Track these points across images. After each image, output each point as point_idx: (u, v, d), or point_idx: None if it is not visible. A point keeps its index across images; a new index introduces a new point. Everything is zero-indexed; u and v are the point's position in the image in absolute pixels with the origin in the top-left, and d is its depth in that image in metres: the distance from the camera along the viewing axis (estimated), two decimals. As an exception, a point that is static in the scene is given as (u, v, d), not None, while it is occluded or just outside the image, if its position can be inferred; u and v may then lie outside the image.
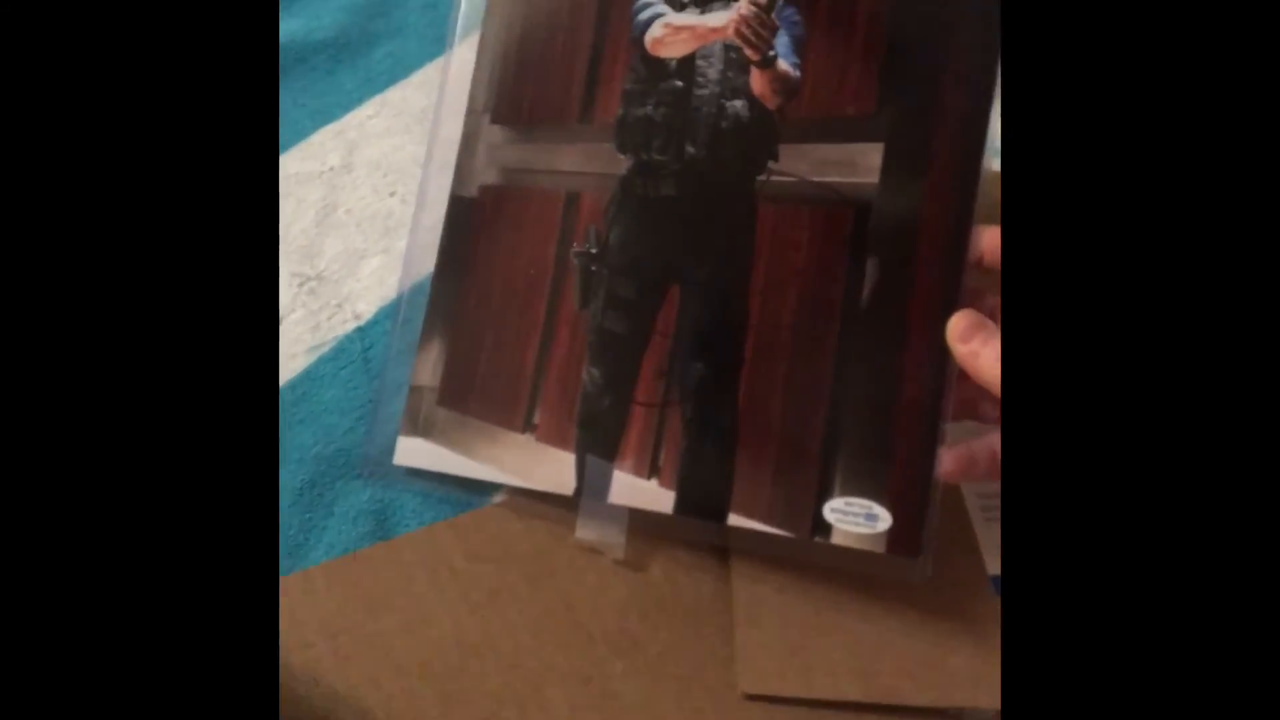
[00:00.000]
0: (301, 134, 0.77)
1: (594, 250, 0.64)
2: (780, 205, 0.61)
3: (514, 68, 0.68)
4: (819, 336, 0.58)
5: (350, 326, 0.70)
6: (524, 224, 0.66)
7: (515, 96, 0.68)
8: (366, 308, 0.70)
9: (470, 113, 0.68)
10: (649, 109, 0.63)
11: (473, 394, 0.65)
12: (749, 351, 0.60)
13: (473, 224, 0.67)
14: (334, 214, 0.73)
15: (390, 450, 0.64)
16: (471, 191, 0.68)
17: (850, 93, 0.59)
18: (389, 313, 0.70)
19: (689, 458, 0.60)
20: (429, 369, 0.66)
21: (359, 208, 0.74)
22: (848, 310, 0.58)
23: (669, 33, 0.63)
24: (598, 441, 0.62)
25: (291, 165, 0.76)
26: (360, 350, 0.69)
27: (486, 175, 0.68)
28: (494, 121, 0.68)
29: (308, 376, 0.68)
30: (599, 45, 0.66)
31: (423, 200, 0.67)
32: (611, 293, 0.63)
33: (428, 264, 0.66)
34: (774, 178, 0.61)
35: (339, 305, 0.70)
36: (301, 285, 0.70)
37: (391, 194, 0.74)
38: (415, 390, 0.66)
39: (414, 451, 0.64)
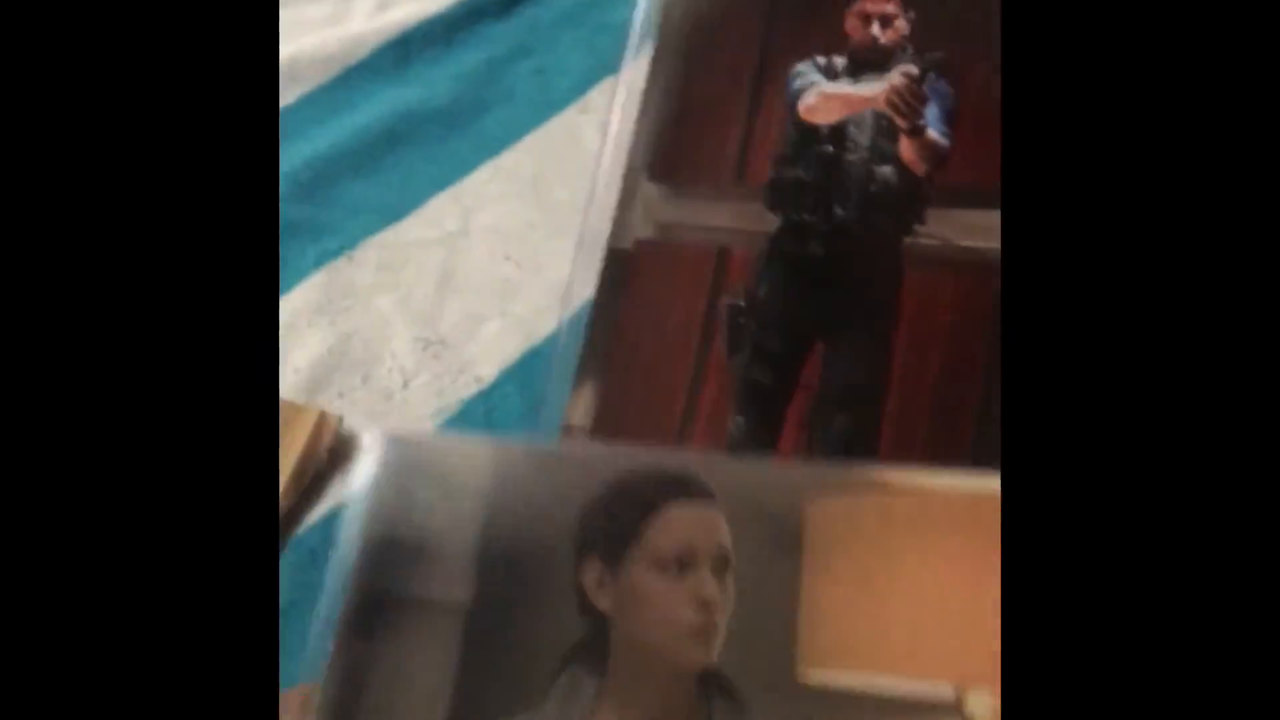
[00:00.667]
0: (418, 200, 0.79)
1: (743, 304, 0.66)
2: (926, 268, 0.63)
3: (672, 129, 0.71)
4: (961, 397, 0.60)
5: (473, 390, 0.70)
6: (677, 276, 0.69)
7: (672, 155, 0.71)
8: (488, 371, 0.71)
9: (629, 170, 0.71)
10: (800, 171, 0.66)
11: (624, 435, 0.66)
12: (890, 409, 0.62)
13: (627, 274, 0.70)
14: (452, 279, 0.75)
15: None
16: (627, 244, 0.70)
17: (996, 162, 0.62)
18: (509, 376, 0.71)
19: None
20: (581, 409, 0.67)
21: (476, 272, 0.75)
22: (989, 372, 0.59)
23: (822, 100, 0.67)
24: None
25: (411, 232, 0.77)
26: (484, 412, 0.70)
27: (642, 229, 0.70)
28: (651, 179, 0.71)
29: (435, 442, 0.70)
30: (753, 110, 0.70)
31: (581, 246, 0.70)
32: (758, 345, 0.65)
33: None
34: (920, 240, 0.64)
35: (461, 370, 0.71)
36: (425, 349, 0.72)
37: (507, 258, 0.76)
38: (567, 429, 0.67)
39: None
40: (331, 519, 0.59)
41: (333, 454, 0.64)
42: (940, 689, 0.51)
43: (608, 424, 0.67)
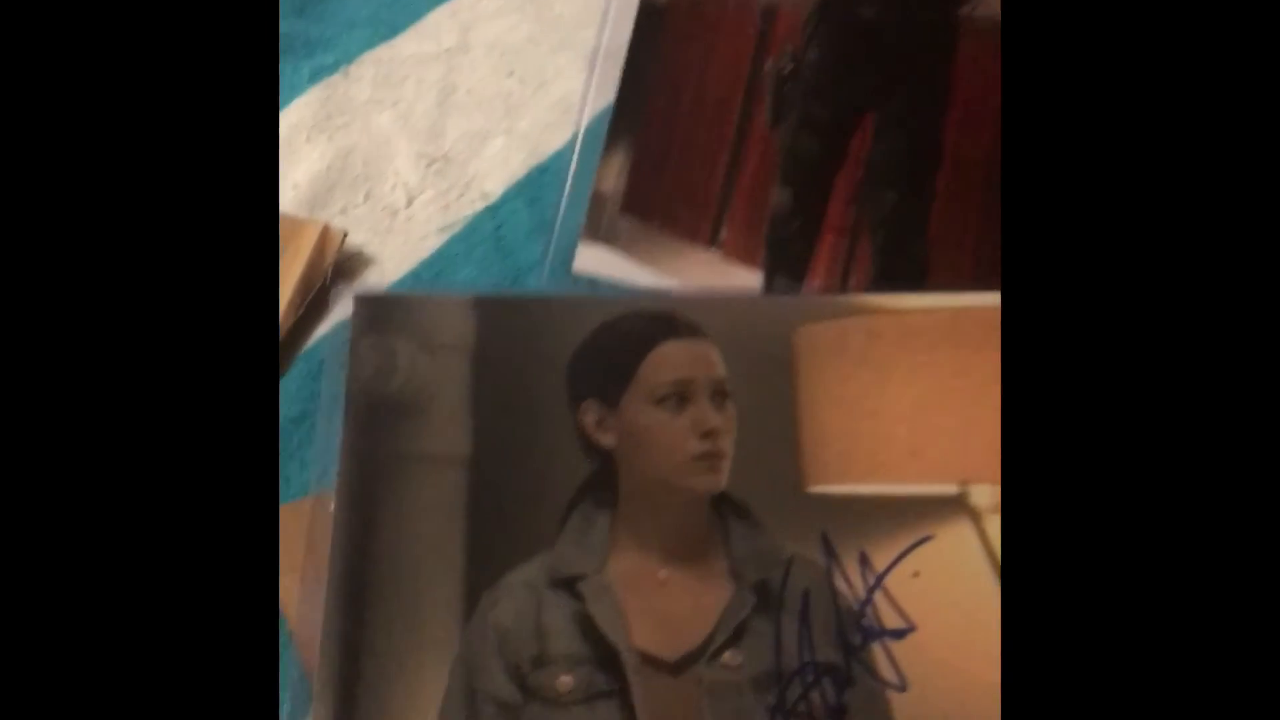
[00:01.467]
0: (415, 15, 0.77)
1: (789, 69, 0.62)
2: (982, 40, 0.59)
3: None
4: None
5: (479, 206, 0.69)
6: (717, 36, 0.64)
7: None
8: (494, 187, 0.70)
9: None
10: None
11: (658, 204, 0.64)
12: (941, 185, 0.59)
13: (662, 32, 0.65)
14: (454, 95, 0.74)
15: (569, 257, 0.64)
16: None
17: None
18: (516, 192, 0.70)
19: (878, 287, 0.59)
20: (613, 176, 0.64)
21: (478, 89, 0.74)
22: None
23: None
24: (786, 263, 0.61)
25: (408, 47, 0.76)
26: (492, 229, 0.69)
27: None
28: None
29: (441, 256, 0.68)
30: None
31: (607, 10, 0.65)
32: (805, 113, 0.62)
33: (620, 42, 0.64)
34: (978, 11, 0.59)
35: (467, 186, 0.70)
36: (429, 166, 0.71)
37: (510, 74, 0.74)
38: (598, 196, 0.64)
39: (594, 258, 0.63)
40: (341, 330, 0.58)
41: (338, 269, 0.64)
42: (944, 488, 0.51)
43: (641, 195, 0.64)
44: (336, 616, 0.49)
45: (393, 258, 0.66)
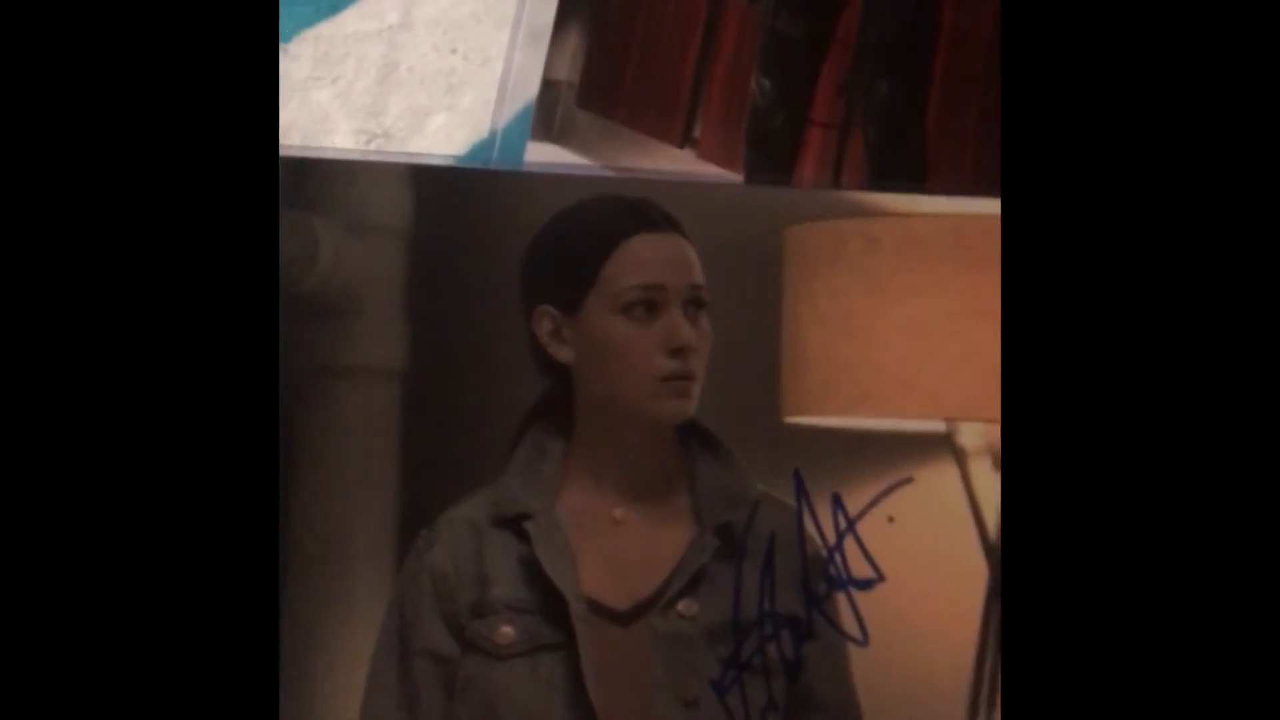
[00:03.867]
0: None
1: None
2: None
3: None
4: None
5: None
6: None
7: None
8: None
9: None
10: None
11: (622, 97, 0.57)
12: (939, 70, 0.53)
13: None
14: (395, 72, 0.71)
15: (518, 159, 0.57)
16: None
17: None
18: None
19: (872, 188, 0.53)
20: (566, 60, 0.57)
21: (420, 65, 0.71)
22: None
23: None
24: (769, 163, 0.55)
25: (349, 24, 0.73)
26: None
27: None
28: None
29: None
30: None
31: None
32: None
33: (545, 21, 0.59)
34: None
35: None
36: (369, 142, 0.67)
37: (453, 51, 0.70)
38: (550, 85, 0.57)
39: (545, 159, 0.56)
40: None
41: None
42: (931, 424, 0.47)
43: (599, 87, 0.57)
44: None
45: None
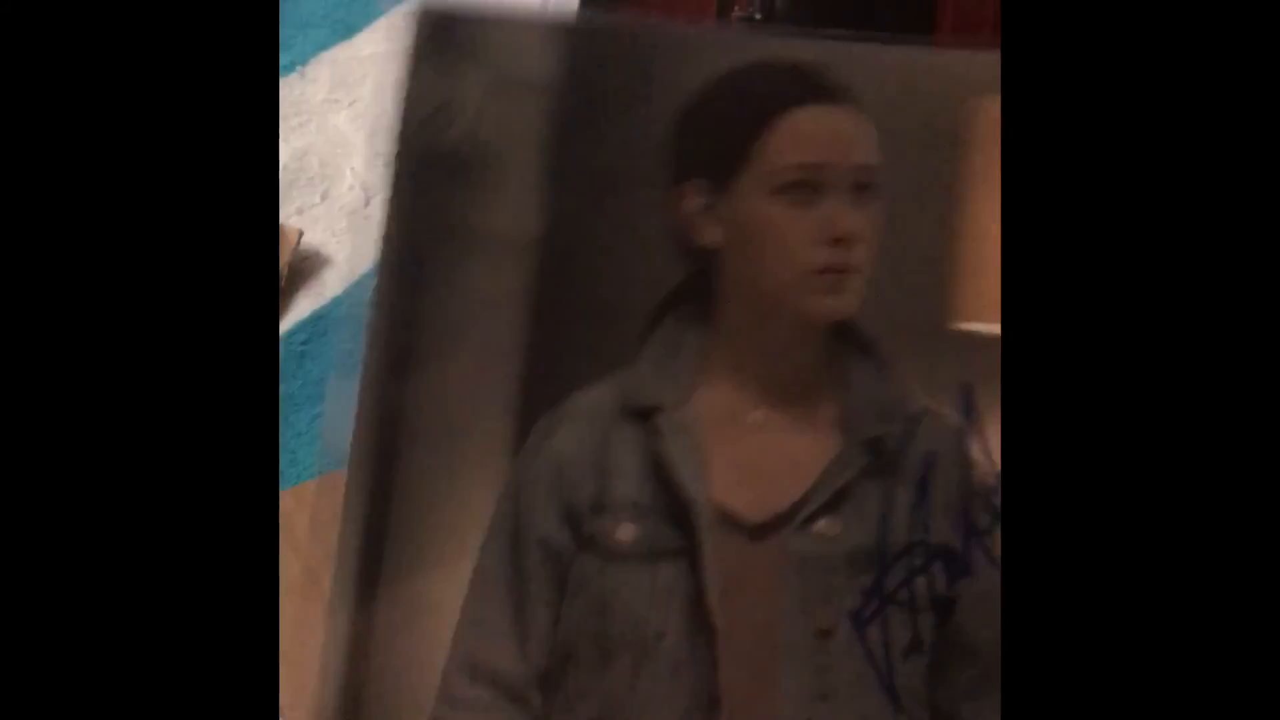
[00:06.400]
0: (372, 15, 0.77)
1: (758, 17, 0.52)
2: None
3: None
4: None
5: None
6: None
7: None
8: None
9: None
10: None
11: None
12: None
13: None
14: None
15: None
16: None
17: None
18: None
19: None
20: None
21: None
22: None
23: None
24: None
25: (365, 46, 0.76)
26: None
27: None
28: None
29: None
30: None
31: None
32: None
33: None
34: None
35: None
36: (388, 165, 0.68)
37: None
38: None
39: None
40: (318, 318, 0.60)
41: (292, 270, 0.63)
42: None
43: None
44: (367, 427, 0.41)
45: (351, 257, 0.66)
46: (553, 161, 0.42)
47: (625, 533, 0.40)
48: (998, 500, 0.40)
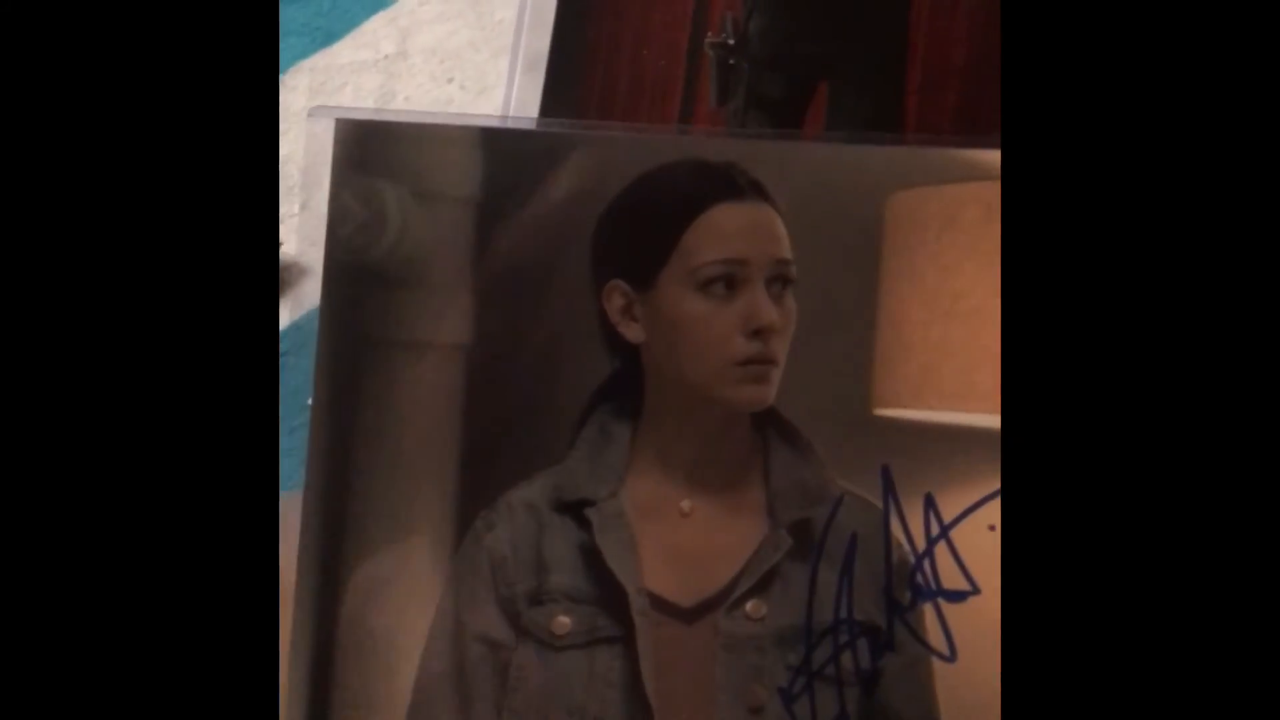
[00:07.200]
0: (352, 23, 0.74)
1: (731, 41, 0.52)
2: None
3: None
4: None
5: None
6: (650, 10, 0.53)
7: None
8: None
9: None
10: None
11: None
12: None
13: (587, 17, 0.54)
14: (393, 102, 0.71)
15: None
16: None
17: None
18: None
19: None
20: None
21: (418, 95, 0.71)
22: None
23: None
24: None
25: (345, 55, 0.74)
26: None
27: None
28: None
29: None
30: None
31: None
32: (754, 90, 0.51)
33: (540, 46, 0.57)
34: None
35: None
36: None
37: (450, 80, 0.70)
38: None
39: None
40: (297, 328, 0.57)
41: None
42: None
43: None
44: (311, 535, 0.43)
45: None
46: (479, 269, 0.44)
47: (562, 623, 0.42)
48: (920, 577, 0.42)
